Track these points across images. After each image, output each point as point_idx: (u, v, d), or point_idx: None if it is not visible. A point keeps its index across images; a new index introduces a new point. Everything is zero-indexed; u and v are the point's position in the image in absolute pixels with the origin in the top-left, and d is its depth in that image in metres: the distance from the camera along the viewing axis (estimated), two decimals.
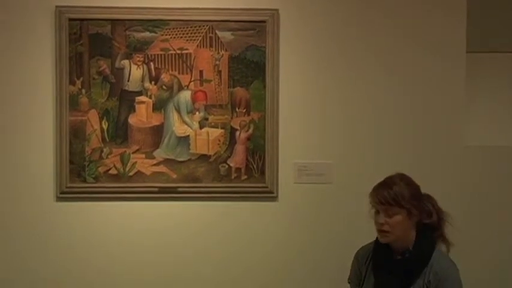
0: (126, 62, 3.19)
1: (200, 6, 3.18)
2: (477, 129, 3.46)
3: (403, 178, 2.46)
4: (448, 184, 3.25)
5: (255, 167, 3.24)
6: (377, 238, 2.52)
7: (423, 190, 2.49)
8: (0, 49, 3.16)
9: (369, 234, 2.57)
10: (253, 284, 3.27)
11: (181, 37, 3.19)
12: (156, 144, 3.22)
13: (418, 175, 2.52)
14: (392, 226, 2.40)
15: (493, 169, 3.36)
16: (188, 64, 3.21)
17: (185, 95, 3.22)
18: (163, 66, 3.21)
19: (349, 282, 2.66)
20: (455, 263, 2.44)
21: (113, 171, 3.20)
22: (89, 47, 3.17)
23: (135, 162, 3.20)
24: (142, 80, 3.20)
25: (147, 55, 3.19)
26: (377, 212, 2.43)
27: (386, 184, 2.44)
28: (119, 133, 3.20)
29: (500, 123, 3.56)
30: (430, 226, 2.48)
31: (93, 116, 3.18)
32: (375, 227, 2.45)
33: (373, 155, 3.27)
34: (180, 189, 3.22)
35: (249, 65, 3.21)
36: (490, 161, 3.35)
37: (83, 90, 3.17)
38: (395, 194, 2.39)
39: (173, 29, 3.18)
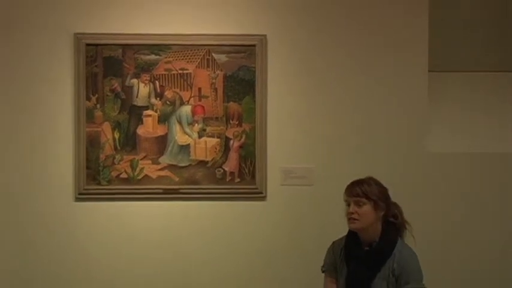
0: (135, 81, 3.32)
1: (199, 33, 3.32)
2: (440, 137, 3.50)
3: (372, 179, 2.66)
4: (411, 189, 3.35)
5: (246, 171, 3.36)
6: (348, 232, 2.67)
7: (391, 194, 2.64)
8: (27, 70, 3.31)
9: (345, 229, 2.69)
10: (251, 270, 3.40)
11: (182, 59, 3.33)
12: (161, 152, 3.34)
13: (387, 180, 2.67)
14: (360, 215, 2.56)
15: (455, 174, 3.45)
16: (188, 82, 3.34)
17: (186, 109, 3.35)
18: (167, 84, 3.33)
19: (323, 271, 2.76)
20: (415, 253, 2.60)
21: (124, 175, 3.33)
22: (103, 68, 3.29)
23: (143, 168, 3.33)
24: (149, 96, 3.33)
25: (153, 75, 3.32)
26: (348, 205, 2.60)
27: (357, 182, 2.63)
28: (129, 142, 3.33)
29: (462, 133, 3.55)
30: (394, 226, 2.64)
31: (106, 127, 3.32)
32: (346, 217, 2.60)
33: (347, 161, 3.39)
34: (181, 191, 3.34)
35: (241, 82, 3.33)
36: (451, 166, 3.44)
37: (98, 105, 3.30)
38: (364, 188, 2.59)
39: (175, 52, 3.32)
